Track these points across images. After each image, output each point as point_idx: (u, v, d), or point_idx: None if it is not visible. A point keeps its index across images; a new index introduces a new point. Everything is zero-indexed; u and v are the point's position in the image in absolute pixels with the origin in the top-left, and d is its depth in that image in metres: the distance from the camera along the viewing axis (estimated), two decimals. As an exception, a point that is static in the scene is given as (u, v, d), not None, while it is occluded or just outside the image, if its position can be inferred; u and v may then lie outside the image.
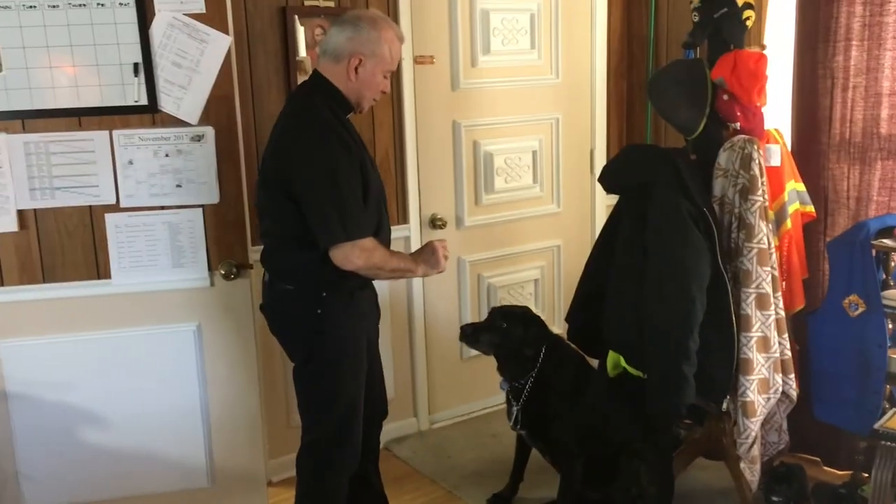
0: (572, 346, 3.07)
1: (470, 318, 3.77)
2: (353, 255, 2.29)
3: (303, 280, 2.42)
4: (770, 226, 2.87)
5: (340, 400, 2.47)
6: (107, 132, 2.61)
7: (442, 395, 3.84)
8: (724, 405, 2.99)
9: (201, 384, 2.83)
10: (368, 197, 2.37)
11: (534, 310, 3.14)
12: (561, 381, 2.93)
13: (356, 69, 2.36)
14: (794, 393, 2.97)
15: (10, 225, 2.60)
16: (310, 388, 2.50)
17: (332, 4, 3.22)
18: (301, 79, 3.17)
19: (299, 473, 2.57)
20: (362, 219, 2.31)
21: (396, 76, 3.41)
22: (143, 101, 2.60)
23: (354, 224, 2.28)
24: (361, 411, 2.52)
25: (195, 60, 2.62)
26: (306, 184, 2.29)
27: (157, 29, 2.57)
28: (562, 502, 2.95)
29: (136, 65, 2.57)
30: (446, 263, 2.54)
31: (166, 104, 2.62)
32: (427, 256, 2.50)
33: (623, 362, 3.05)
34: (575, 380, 2.96)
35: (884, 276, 2.91)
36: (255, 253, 2.69)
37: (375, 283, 2.58)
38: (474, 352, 3.75)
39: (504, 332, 2.93)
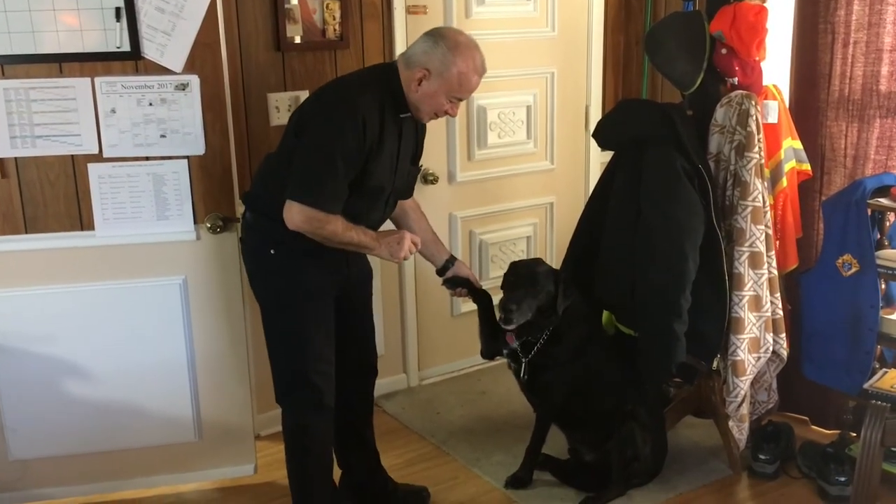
0: (585, 303, 2.90)
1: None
2: (297, 217, 2.31)
3: (271, 214, 2.40)
4: (765, 184, 2.84)
5: (300, 344, 2.48)
6: (88, 79, 2.54)
7: (432, 352, 3.83)
8: (715, 364, 2.98)
9: (187, 338, 2.80)
10: (364, 186, 2.39)
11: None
12: (571, 337, 2.82)
13: (419, 81, 2.38)
14: (784, 352, 2.97)
15: (-10, 174, 2.55)
16: (269, 328, 2.54)
17: (322, -50, 3.13)
18: (290, 28, 3.11)
19: (282, 423, 2.60)
20: (328, 192, 2.32)
21: (388, 27, 3.33)
22: (126, 47, 2.52)
23: (316, 191, 2.30)
24: (327, 358, 2.52)
25: (179, 5, 2.54)
26: (308, 137, 2.35)
27: (139, -28, 2.49)
28: (531, 448, 2.95)
29: (117, 9, 2.49)
30: (407, 256, 2.52)
31: (149, 51, 2.55)
32: (391, 241, 2.49)
33: (615, 321, 3.04)
34: (583, 339, 2.84)
35: (878, 236, 2.89)
36: (242, 206, 2.64)
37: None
38: (465, 308, 3.77)
39: (535, 295, 2.72)
